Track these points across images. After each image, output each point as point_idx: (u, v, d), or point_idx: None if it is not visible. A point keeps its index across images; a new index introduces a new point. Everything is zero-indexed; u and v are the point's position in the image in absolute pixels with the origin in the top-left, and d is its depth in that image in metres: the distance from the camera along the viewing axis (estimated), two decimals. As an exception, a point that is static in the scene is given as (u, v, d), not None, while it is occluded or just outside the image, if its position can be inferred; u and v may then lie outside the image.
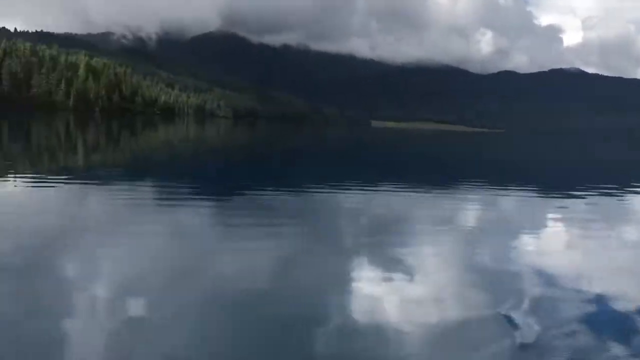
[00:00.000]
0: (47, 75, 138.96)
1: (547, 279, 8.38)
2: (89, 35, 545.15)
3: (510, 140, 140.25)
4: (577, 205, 17.81)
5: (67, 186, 15.88)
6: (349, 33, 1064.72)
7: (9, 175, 17.46)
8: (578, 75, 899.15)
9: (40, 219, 10.99)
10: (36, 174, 18.36)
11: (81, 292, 6.65)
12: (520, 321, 6.43)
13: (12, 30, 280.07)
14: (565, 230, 13.28)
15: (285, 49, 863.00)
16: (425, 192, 19.33)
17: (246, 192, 17.21)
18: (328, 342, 5.67)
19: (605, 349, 5.85)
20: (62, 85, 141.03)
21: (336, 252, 9.58)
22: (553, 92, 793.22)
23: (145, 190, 16.29)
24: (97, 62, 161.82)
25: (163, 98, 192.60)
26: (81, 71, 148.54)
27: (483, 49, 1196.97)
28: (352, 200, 16.37)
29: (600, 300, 7.43)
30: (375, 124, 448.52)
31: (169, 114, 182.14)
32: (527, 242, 11.43)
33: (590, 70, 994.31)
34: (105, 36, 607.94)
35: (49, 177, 17.70)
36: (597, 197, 19.68)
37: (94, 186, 16.34)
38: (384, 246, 10.09)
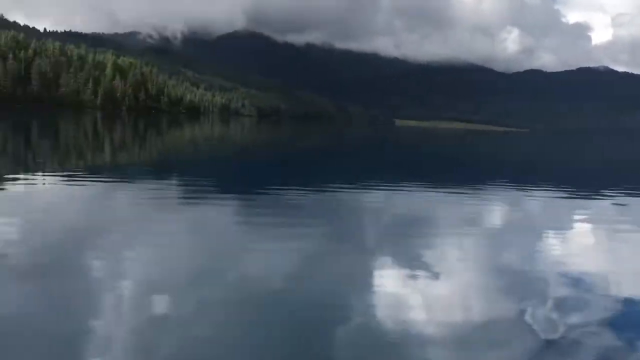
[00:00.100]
0: (75, 75, 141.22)
1: (571, 280, 8.29)
2: (116, 34, 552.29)
3: (536, 140, 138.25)
4: (603, 206, 17.56)
5: (94, 184, 16.15)
6: (373, 32, 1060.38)
7: (38, 174, 17.84)
8: (607, 74, 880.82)
9: (67, 217, 11.22)
10: (65, 172, 18.70)
11: (107, 289, 6.81)
12: (544, 322, 6.40)
13: (41, 30, 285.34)
14: (591, 231, 13.10)
15: (310, 47, 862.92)
16: (448, 192, 19.20)
17: (270, 190, 17.32)
18: (351, 342, 5.69)
19: (630, 350, 5.81)
20: (90, 84, 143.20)
21: (359, 252, 9.59)
22: (580, 91, 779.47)
23: (171, 189, 16.50)
24: (124, 61, 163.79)
25: (188, 97, 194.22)
26: (108, 70, 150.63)
27: (509, 47, 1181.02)
28: (375, 200, 16.37)
29: (625, 302, 7.36)
30: (399, 123, 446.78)
31: (194, 113, 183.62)
32: (552, 243, 11.32)
33: (620, 68, 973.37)
34: (131, 35, 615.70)
35: (77, 175, 18.01)
36: (624, 198, 19.37)
37: (121, 184, 16.62)
38: (408, 246, 10.08)
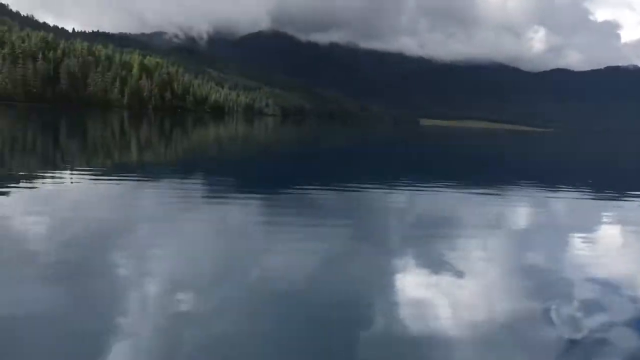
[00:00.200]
0: (102, 74, 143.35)
1: (597, 282, 8.16)
2: (143, 34, 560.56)
3: (561, 140, 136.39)
4: (631, 207, 17.21)
5: (121, 183, 16.32)
6: (397, 31, 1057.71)
7: (66, 172, 18.08)
8: (636, 73, 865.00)
9: (94, 215, 11.31)
10: (92, 170, 18.94)
11: (132, 287, 6.85)
12: (570, 324, 6.31)
13: (70, 31, 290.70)
14: (618, 233, 12.82)
15: (334, 47, 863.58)
16: (473, 192, 18.96)
17: (293, 190, 17.31)
18: (373, 342, 5.64)
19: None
20: (117, 84, 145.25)
21: (382, 252, 9.52)
22: (609, 90, 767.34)
23: (195, 188, 16.59)
24: (150, 61, 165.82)
25: (213, 97, 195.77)
26: (135, 70, 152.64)
27: (535, 46, 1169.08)
28: (399, 200, 16.26)
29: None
30: (424, 122, 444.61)
31: (219, 112, 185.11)
32: (578, 245, 11.13)
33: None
34: (158, 35, 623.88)
35: (104, 173, 18.24)
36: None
37: (146, 183, 16.75)
38: (431, 247, 9.96)
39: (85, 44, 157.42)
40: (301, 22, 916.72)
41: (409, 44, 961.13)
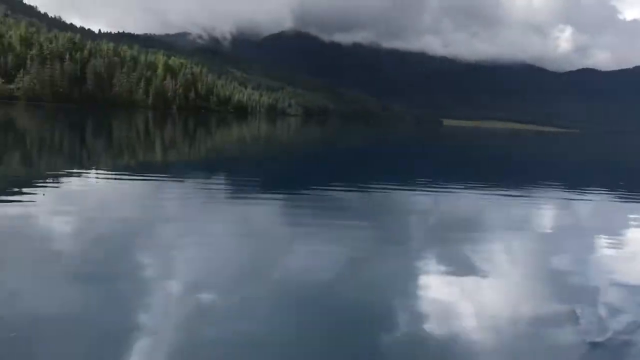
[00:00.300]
0: (128, 75, 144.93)
1: (623, 285, 8.13)
2: (167, 35, 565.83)
3: (590, 140, 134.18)
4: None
5: (145, 182, 16.61)
6: (420, 30, 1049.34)
7: (92, 171, 18.44)
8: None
9: (118, 214, 11.59)
10: (117, 169, 19.29)
11: (155, 284, 7.03)
12: (595, 327, 6.31)
13: (96, 31, 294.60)
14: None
15: (357, 47, 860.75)
16: (498, 194, 18.88)
17: (315, 190, 17.42)
18: (394, 344, 5.69)
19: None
20: (142, 84, 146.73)
21: (404, 253, 9.57)
22: (637, 90, 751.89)
23: (218, 187, 16.82)
24: (175, 61, 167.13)
25: (237, 97, 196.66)
26: (159, 71, 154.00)
27: (561, 45, 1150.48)
28: (422, 201, 16.26)
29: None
30: (447, 122, 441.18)
31: (242, 112, 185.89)
32: (605, 248, 11.04)
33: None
34: (182, 36, 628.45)
35: (129, 173, 18.56)
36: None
37: (170, 182, 17.02)
38: (453, 249, 10.00)
39: (111, 44, 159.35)
40: (324, 22, 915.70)
41: (432, 44, 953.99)
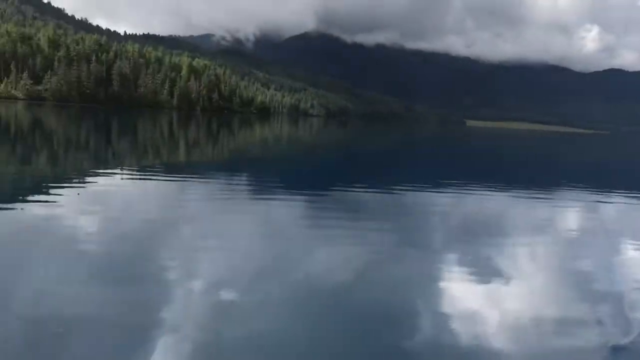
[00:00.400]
0: (152, 76, 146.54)
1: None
2: (191, 37, 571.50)
3: (617, 142, 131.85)
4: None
5: (169, 181, 16.86)
6: (443, 31, 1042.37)
7: (122, 171, 18.80)
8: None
9: (143, 213, 11.83)
10: (142, 169, 19.61)
11: (179, 282, 7.20)
12: (618, 330, 6.31)
13: (121, 33, 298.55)
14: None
15: (379, 48, 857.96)
16: (522, 196, 18.76)
17: (337, 190, 17.50)
18: (415, 346, 5.74)
19: None
20: (167, 85, 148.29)
21: (426, 255, 9.59)
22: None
23: (241, 187, 17.03)
24: (199, 63, 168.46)
25: (259, 98, 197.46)
26: (184, 72, 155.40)
27: (587, 45, 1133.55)
28: (446, 202, 16.21)
29: None
30: (470, 123, 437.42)
31: (265, 113, 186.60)
32: (631, 252, 10.94)
33: None
34: (206, 38, 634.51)
35: (153, 172, 18.84)
36: None
37: (194, 182, 17.25)
38: (476, 250, 9.98)
39: (137, 46, 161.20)
40: (347, 23, 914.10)
41: (455, 44, 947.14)
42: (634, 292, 7.87)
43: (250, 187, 17.20)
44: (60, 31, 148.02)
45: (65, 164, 20.90)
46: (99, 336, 5.48)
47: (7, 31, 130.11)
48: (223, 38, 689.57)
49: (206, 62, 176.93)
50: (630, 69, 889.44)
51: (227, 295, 6.79)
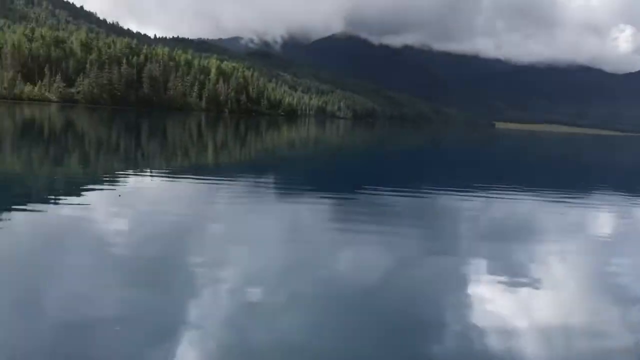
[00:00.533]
0: (182, 78, 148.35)
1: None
2: (220, 40, 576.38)
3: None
4: None
5: (198, 182, 17.05)
6: (473, 32, 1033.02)
7: (146, 171, 19.09)
8: None
9: (171, 215, 11.95)
10: (171, 170, 19.87)
11: (205, 282, 7.30)
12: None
13: (152, 36, 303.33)
14: None
15: (407, 49, 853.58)
16: (551, 200, 18.49)
17: (364, 191, 17.48)
18: (440, 348, 5.74)
19: None
20: (196, 88, 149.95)
21: (453, 257, 9.53)
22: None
23: (269, 188, 17.13)
24: (227, 65, 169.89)
25: (287, 100, 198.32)
26: (212, 74, 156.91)
27: (621, 46, 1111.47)
28: (473, 206, 16.07)
29: None
30: (499, 125, 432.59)
31: (292, 115, 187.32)
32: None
33: None
34: (234, 40, 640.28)
35: (182, 173, 19.07)
36: None
37: (222, 183, 17.40)
38: (503, 254, 9.91)
39: (166, 49, 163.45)
40: (374, 25, 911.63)
41: (485, 45, 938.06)
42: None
43: (278, 189, 17.28)
44: (92, 35, 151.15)
45: (109, 165, 21.24)
46: (128, 335, 5.58)
47: (41, 35, 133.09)
48: (251, 41, 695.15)
49: (234, 64, 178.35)
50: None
51: (255, 296, 6.85)
